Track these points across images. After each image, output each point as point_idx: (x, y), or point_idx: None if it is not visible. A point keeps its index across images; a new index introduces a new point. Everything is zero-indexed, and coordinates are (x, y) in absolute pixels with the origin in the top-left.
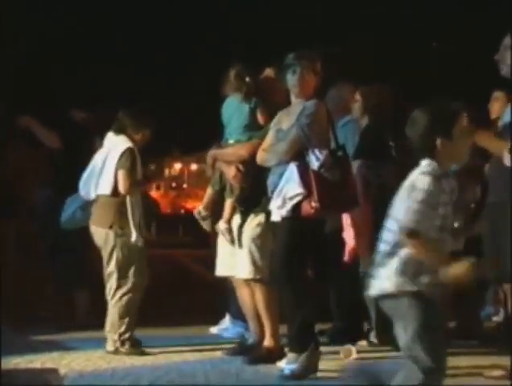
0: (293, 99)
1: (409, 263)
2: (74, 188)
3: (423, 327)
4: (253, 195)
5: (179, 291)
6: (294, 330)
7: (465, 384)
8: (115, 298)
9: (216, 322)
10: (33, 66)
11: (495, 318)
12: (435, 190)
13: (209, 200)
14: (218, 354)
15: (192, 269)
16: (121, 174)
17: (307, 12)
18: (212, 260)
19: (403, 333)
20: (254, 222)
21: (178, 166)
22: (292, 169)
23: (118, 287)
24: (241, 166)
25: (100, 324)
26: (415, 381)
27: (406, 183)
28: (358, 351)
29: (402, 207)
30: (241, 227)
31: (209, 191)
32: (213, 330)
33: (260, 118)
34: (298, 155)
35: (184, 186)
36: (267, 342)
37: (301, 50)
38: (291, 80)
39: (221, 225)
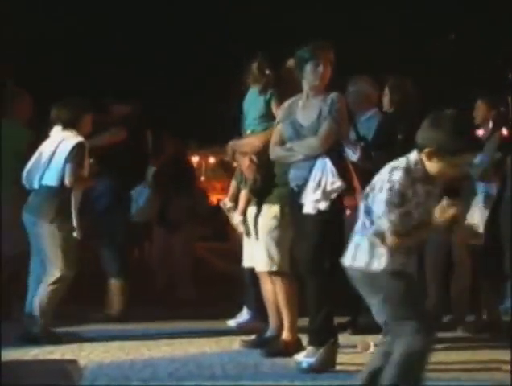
0: (309, 92)
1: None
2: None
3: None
4: (267, 185)
5: (197, 284)
6: (317, 324)
7: (483, 378)
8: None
9: (233, 314)
10: (33, 66)
11: None
12: (406, 183)
13: (234, 192)
14: (236, 346)
15: (210, 262)
16: (69, 168)
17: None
18: (230, 253)
19: (383, 305)
20: (270, 214)
21: (195, 159)
22: (326, 162)
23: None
24: (254, 157)
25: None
26: (412, 351)
27: (385, 178)
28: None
29: (381, 202)
30: (256, 218)
31: (233, 183)
32: (231, 322)
33: (275, 109)
34: (330, 148)
35: (202, 178)
36: (285, 335)
37: (316, 41)
38: (312, 74)
39: (236, 217)
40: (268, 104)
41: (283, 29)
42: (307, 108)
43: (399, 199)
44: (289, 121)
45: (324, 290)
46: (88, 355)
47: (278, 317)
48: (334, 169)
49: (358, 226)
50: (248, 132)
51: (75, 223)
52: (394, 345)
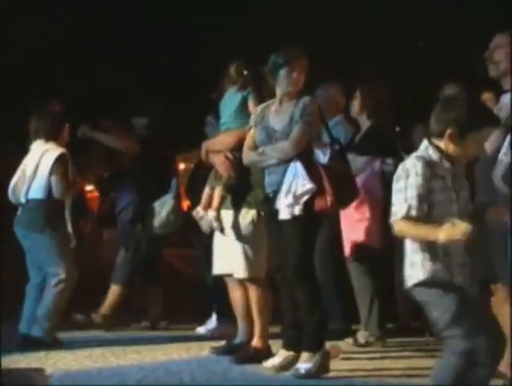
0: (282, 97)
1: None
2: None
3: (457, 311)
4: (243, 186)
5: (166, 290)
6: (311, 330)
7: None
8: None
9: (202, 321)
10: (32, 66)
11: None
12: (427, 174)
13: (207, 199)
14: (205, 353)
15: (179, 268)
16: (55, 181)
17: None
18: (198, 260)
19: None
20: (247, 219)
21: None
22: (296, 165)
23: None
24: (229, 154)
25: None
26: (452, 368)
27: (400, 168)
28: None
29: (396, 193)
30: (233, 223)
31: (207, 191)
32: (200, 329)
33: (251, 106)
34: (301, 152)
35: None
36: (255, 342)
37: (289, 47)
38: (285, 79)
39: (210, 213)
40: (245, 100)
41: (280, 30)
42: (280, 113)
43: (415, 183)
44: (262, 126)
45: (315, 295)
46: (55, 363)
47: (247, 323)
48: (304, 172)
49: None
50: (222, 130)
51: (70, 231)
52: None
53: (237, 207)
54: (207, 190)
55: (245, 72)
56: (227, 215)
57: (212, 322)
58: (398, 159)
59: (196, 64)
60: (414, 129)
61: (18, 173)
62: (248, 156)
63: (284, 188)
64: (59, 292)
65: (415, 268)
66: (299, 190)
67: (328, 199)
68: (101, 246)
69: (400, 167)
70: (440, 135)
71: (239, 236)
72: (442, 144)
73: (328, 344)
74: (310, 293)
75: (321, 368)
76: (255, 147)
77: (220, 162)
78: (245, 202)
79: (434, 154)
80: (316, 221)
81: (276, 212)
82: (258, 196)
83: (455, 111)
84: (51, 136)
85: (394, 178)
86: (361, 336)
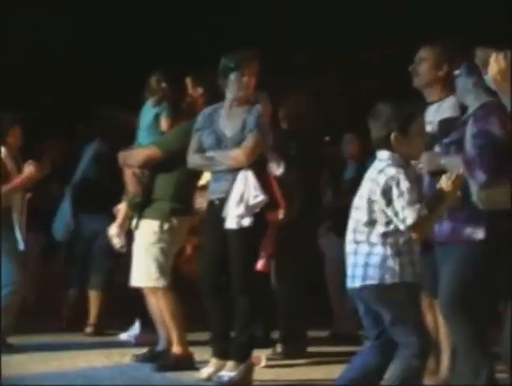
0: (233, 102)
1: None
2: None
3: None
4: (147, 199)
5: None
6: (242, 341)
7: None
8: None
9: (125, 328)
10: (33, 66)
11: None
12: (410, 176)
13: (124, 217)
14: (127, 360)
15: None
16: None
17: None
18: (122, 267)
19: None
20: (149, 229)
21: None
22: (247, 175)
23: None
24: (137, 170)
25: None
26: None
27: (382, 180)
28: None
29: (396, 203)
30: (136, 234)
31: (123, 207)
32: (123, 336)
33: (163, 124)
34: (253, 161)
35: None
36: (175, 349)
37: (242, 51)
38: (236, 84)
39: (112, 229)
40: (158, 117)
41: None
42: (230, 118)
43: (408, 186)
44: (210, 130)
45: (253, 307)
46: None
47: (166, 330)
48: (257, 182)
49: (355, 246)
50: (137, 144)
51: (18, 236)
52: (397, 356)
53: (139, 219)
54: (122, 207)
55: (163, 85)
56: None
57: (136, 328)
58: None
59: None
60: (343, 138)
61: None
62: (193, 159)
63: (234, 197)
64: (8, 299)
65: (377, 268)
66: (251, 202)
67: (280, 211)
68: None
69: (383, 180)
70: (387, 142)
71: (141, 245)
72: (392, 149)
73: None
74: (250, 305)
75: (245, 378)
76: (201, 150)
77: (128, 177)
78: (147, 213)
79: (400, 159)
80: (263, 233)
81: (219, 220)
82: (163, 209)
83: (389, 115)
84: None
85: (380, 191)
86: (279, 346)
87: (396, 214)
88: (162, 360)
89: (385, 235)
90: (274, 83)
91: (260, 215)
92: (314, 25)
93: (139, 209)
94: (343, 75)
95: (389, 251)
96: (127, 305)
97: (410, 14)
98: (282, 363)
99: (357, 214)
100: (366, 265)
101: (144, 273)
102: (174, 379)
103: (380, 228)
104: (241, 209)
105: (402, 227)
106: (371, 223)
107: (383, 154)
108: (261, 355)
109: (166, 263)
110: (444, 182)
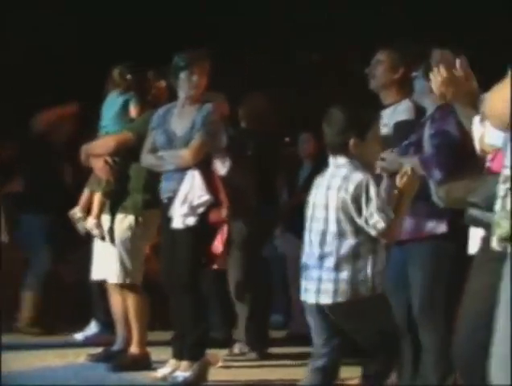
0: (184, 101)
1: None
2: None
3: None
4: (121, 190)
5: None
6: (193, 340)
7: None
8: None
9: (81, 327)
10: (32, 66)
11: None
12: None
13: (86, 201)
14: (82, 360)
15: (56, 271)
16: None
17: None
18: (78, 263)
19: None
20: (124, 224)
21: None
22: (194, 175)
23: None
24: (108, 158)
25: None
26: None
27: (351, 187)
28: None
29: (366, 209)
30: (111, 228)
31: (86, 192)
32: (78, 336)
33: (132, 111)
34: (200, 161)
35: None
36: (133, 349)
37: (191, 50)
38: (186, 82)
39: (90, 221)
40: (126, 104)
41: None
42: (181, 117)
43: (377, 190)
44: (163, 129)
45: (199, 305)
46: None
47: (126, 330)
48: (202, 182)
49: (319, 260)
50: (102, 133)
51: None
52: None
53: (114, 213)
54: (85, 193)
55: (128, 77)
56: (105, 220)
57: (91, 328)
58: None
59: None
60: (299, 138)
61: None
62: (146, 159)
63: (180, 197)
64: None
65: (349, 283)
66: (196, 202)
67: (223, 211)
68: None
69: (351, 188)
70: (344, 148)
71: (115, 241)
72: (350, 155)
73: (208, 352)
74: (194, 304)
75: (199, 378)
76: (155, 150)
77: (99, 167)
78: (122, 207)
79: (359, 165)
80: (210, 233)
81: (169, 219)
82: (136, 201)
83: (347, 121)
84: None
85: (350, 198)
86: (237, 346)
87: (366, 220)
88: (117, 360)
89: (356, 246)
90: (273, 83)
91: (205, 216)
92: (314, 25)
93: (113, 198)
94: (343, 75)
95: (360, 263)
96: (82, 305)
97: (410, 14)
98: (239, 364)
99: (319, 225)
100: (336, 281)
101: (118, 269)
102: (129, 379)
103: (351, 240)
104: (186, 208)
105: (373, 233)
106: (341, 234)
107: (341, 160)
108: (218, 355)
109: (139, 259)
110: (399, 181)
